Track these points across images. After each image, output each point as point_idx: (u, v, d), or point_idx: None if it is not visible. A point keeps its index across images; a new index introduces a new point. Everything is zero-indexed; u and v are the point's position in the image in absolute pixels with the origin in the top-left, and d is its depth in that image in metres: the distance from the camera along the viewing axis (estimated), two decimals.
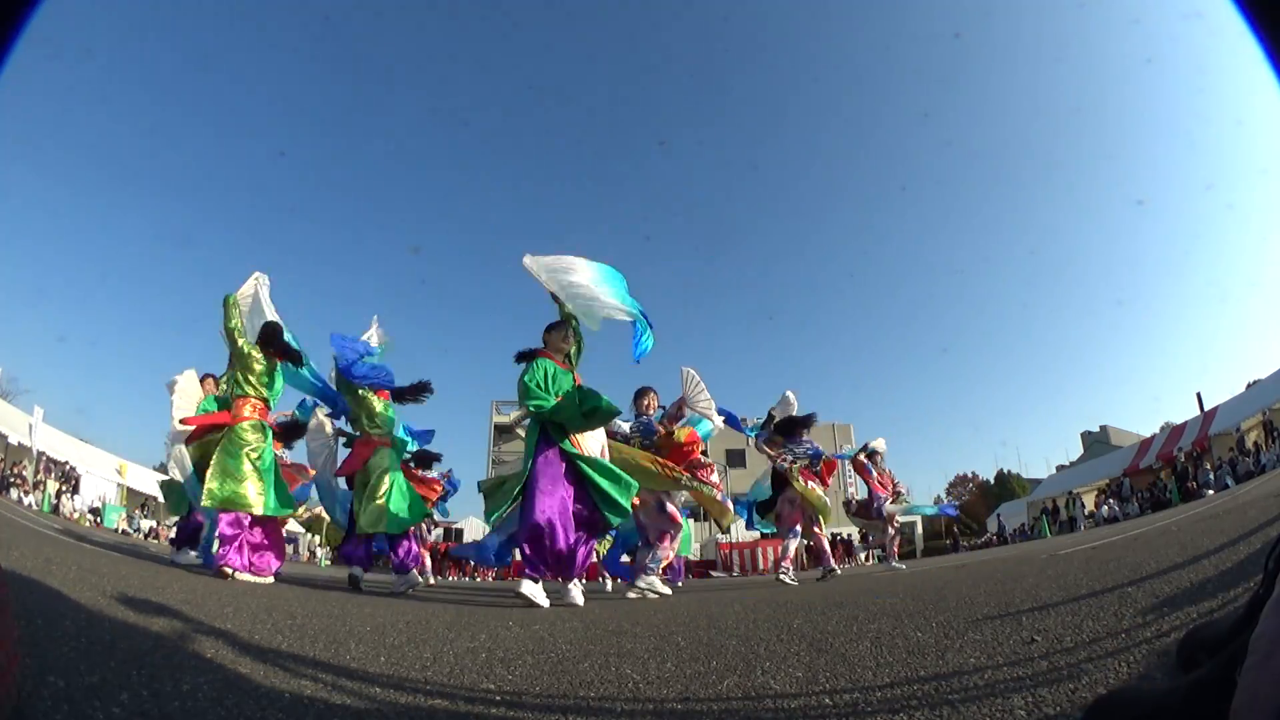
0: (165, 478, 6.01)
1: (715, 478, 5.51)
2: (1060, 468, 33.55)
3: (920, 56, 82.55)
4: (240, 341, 4.60)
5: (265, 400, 4.67)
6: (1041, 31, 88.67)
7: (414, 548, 5.06)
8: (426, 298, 64.08)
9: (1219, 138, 74.64)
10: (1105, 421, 33.52)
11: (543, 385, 3.74)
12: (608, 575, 7.00)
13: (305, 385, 5.18)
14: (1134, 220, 78.92)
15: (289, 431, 5.42)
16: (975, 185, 74.19)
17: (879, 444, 8.95)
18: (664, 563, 5.12)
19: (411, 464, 6.65)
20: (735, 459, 27.64)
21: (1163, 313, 68.30)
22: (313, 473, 5.92)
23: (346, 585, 4.61)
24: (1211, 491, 14.49)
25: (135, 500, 23.42)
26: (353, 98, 78.76)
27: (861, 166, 74.79)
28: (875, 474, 8.61)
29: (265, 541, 4.46)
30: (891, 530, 8.58)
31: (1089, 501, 22.56)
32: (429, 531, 10.34)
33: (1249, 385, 19.48)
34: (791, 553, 6.46)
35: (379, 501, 4.73)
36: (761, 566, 20.21)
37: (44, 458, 19.59)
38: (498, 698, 1.33)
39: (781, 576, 6.16)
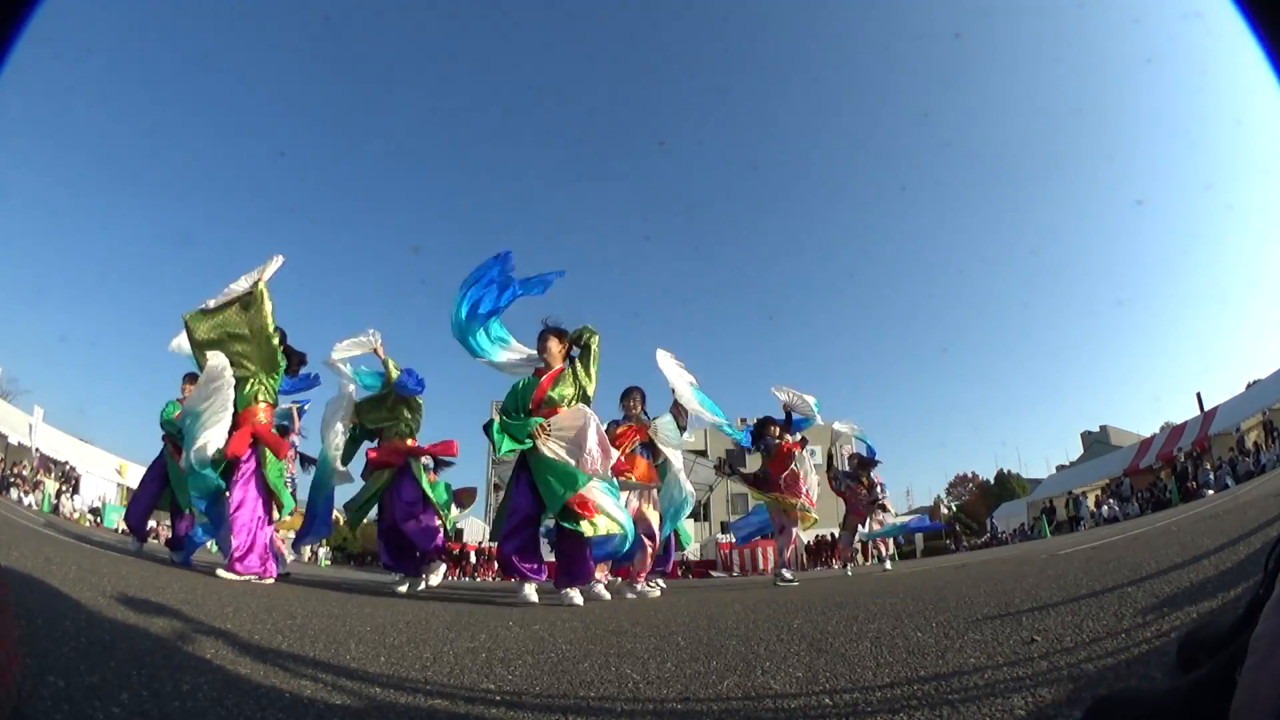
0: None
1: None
2: (1060, 468, 33.63)
3: (920, 56, 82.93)
4: (276, 341, 4.23)
5: (275, 405, 4.57)
6: (1041, 31, 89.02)
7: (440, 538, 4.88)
8: (426, 298, 64.12)
9: (1219, 138, 74.99)
10: (1105, 421, 33.71)
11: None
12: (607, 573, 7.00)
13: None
14: (1134, 220, 79.25)
15: (305, 459, 5.63)
16: (975, 185, 74.54)
17: (845, 427, 8.28)
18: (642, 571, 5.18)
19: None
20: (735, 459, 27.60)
21: (1162, 313, 68.60)
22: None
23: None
24: (1211, 491, 14.47)
25: None
26: (353, 98, 79.08)
27: (861, 166, 75.16)
28: (861, 487, 8.40)
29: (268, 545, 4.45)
30: (856, 541, 8.54)
31: (1090, 501, 22.56)
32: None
33: (1249, 385, 19.53)
34: (788, 553, 6.48)
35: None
36: (761, 566, 20.23)
37: (39, 453, 19.59)
38: (498, 698, 1.33)
39: (784, 572, 6.21)
